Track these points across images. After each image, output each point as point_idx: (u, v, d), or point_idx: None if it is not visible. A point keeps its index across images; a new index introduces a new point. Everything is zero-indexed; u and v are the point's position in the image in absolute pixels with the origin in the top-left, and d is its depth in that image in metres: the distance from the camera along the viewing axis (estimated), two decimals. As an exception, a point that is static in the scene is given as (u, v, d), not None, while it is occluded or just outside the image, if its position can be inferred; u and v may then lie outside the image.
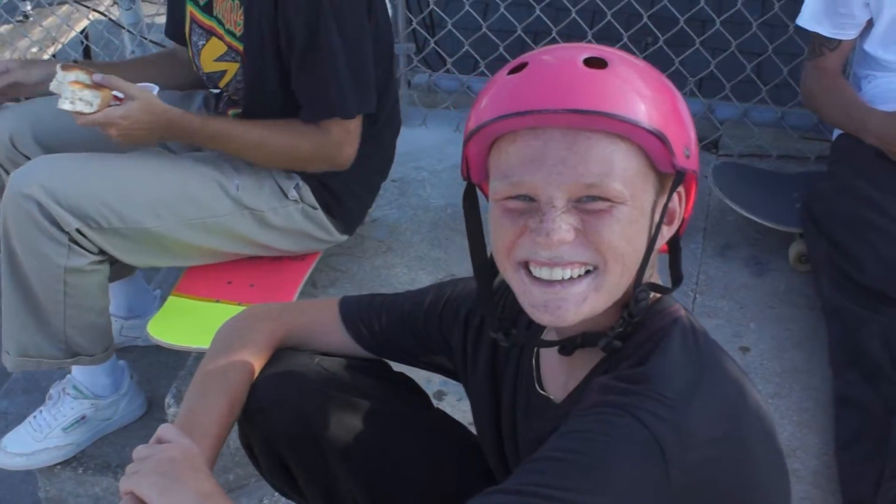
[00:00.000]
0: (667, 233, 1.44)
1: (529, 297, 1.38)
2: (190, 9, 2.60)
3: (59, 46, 7.81)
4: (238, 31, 2.45)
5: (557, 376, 1.54)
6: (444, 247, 3.05)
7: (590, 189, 1.31)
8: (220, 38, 2.54)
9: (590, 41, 3.43)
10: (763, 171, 3.14)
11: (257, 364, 1.75)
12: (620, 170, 1.31)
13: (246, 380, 1.72)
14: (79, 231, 2.32)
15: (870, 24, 2.72)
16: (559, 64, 1.34)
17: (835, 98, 2.75)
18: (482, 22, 3.56)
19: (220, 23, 2.52)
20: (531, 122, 1.31)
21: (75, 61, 2.52)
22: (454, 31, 3.59)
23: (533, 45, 3.56)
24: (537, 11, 3.53)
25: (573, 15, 3.49)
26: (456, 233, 3.07)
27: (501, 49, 3.53)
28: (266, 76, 2.44)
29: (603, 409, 1.30)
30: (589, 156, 1.30)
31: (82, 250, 2.35)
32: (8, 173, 2.57)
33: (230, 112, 2.61)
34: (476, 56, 3.58)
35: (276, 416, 1.73)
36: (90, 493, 2.65)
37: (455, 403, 2.49)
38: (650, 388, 1.29)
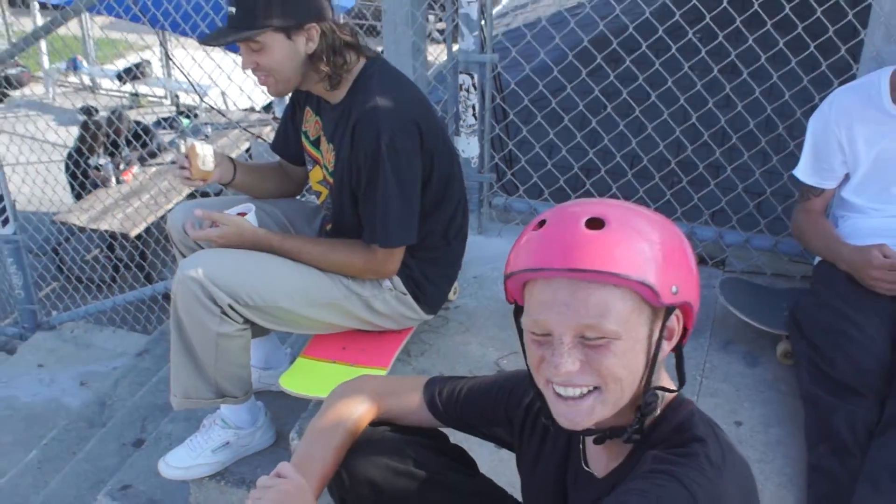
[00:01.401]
0: (667, 347, 1.39)
1: (554, 408, 1.38)
2: (303, 140, 2.67)
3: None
4: (330, 167, 2.51)
5: (599, 457, 1.52)
6: (510, 330, 2.94)
7: (589, 329, 1.29)
8: (321, 168, 2.60)
9: (629, 180, 3.41)
10: (759, 286, 3.08)
11: (360, 426, 1.74)
12: (615, 312, 1.29)
13: (349, 439, 1.71)
14: (230, 306, 2.35)
15: (847, 177, 2.68)
16: (565, 225, 1.32)
17: (817, 232, 2.70)
18: (548, 160, 3.57)
19: (322, 156, 2.58)
20: (542, 275, 1.31)
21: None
22: (526, 166, 3.60)
23: (585, 179, 3.58)
24: (590, 154, 3.53)
25: (617, 158, 3.48)
26: (518, 319, 3.01)
27: (562, 181, 3.52)
28: (345, 202, 2.49)
29: (658, 475, 1.31)
30: (588, 302, 1.29)
31: (231, 320, 2.37)
32: (181, 253, 2.64)
33: (328, 226, 2.67)
34: (542, 185, 3.58)
35: (349, 478, 1.72)
36: (230, 502, 2.63)
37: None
38: (694, 462, 1.31)
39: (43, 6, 8.60)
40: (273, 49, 2.31)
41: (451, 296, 3.06)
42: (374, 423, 1.78)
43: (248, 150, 6.18)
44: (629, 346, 1.31)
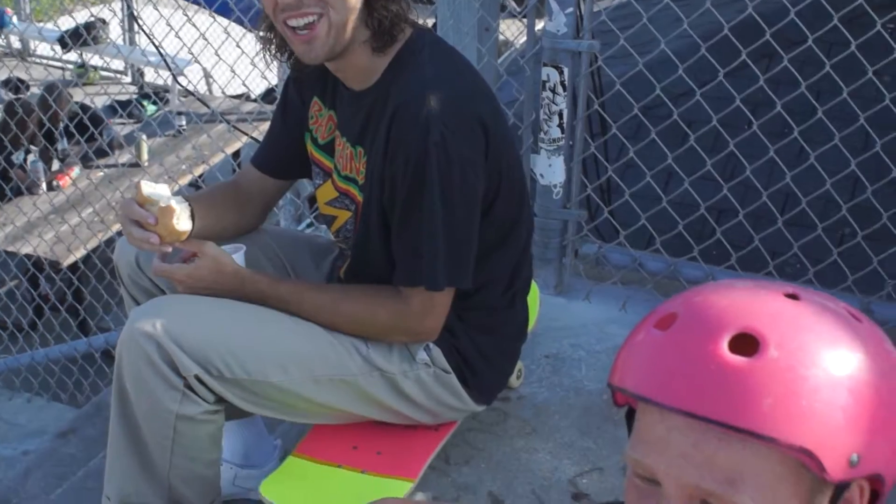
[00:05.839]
0: None
1: None
2: (309, 146, 2.68)
3: (208, 168, 8.15)
4: (360, 179, 2.50)
5: None
6: (595, 436, 2.98)
7: (712, 497, 1.20)
8: (336, 181, 2.61)
9: (779, 229, 3.37)
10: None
11: None
12: (752, 477, 1.20)
13: None
14: (197, 378, 2.33)
15: None
16: (700, 339, 1.22)
17: None
18: (662, 194, 3.54)
19: (336, 168, 2.59)
20: (655, 407, 1.24)
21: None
22: (631, 201, 3.57)
23: (715, 224, 3.55)
24: (725, 190, 3.50)
25: (764, 197, 3.44)
26: (609, 422, 3.01)
27: (681, 226, 3.50)
28: (373, 230, 2.49)
29: None
30: (713, 460, 1.20)
31: (197, 398, 2.36)
32: (132, 297, 2.66)
33: (342, 269, 2.68)
34: (652, 230, 3.56)
35: None
36: None
37: None
38: None
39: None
40: None
41: (512, 381, 3.05)
42: None
43: (236, 157, 6.23)
44: None
